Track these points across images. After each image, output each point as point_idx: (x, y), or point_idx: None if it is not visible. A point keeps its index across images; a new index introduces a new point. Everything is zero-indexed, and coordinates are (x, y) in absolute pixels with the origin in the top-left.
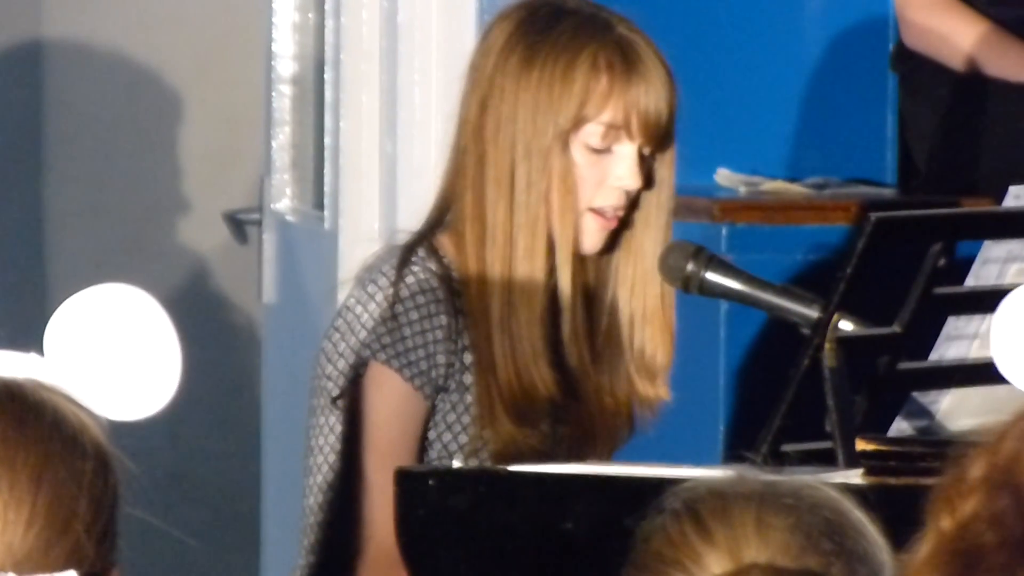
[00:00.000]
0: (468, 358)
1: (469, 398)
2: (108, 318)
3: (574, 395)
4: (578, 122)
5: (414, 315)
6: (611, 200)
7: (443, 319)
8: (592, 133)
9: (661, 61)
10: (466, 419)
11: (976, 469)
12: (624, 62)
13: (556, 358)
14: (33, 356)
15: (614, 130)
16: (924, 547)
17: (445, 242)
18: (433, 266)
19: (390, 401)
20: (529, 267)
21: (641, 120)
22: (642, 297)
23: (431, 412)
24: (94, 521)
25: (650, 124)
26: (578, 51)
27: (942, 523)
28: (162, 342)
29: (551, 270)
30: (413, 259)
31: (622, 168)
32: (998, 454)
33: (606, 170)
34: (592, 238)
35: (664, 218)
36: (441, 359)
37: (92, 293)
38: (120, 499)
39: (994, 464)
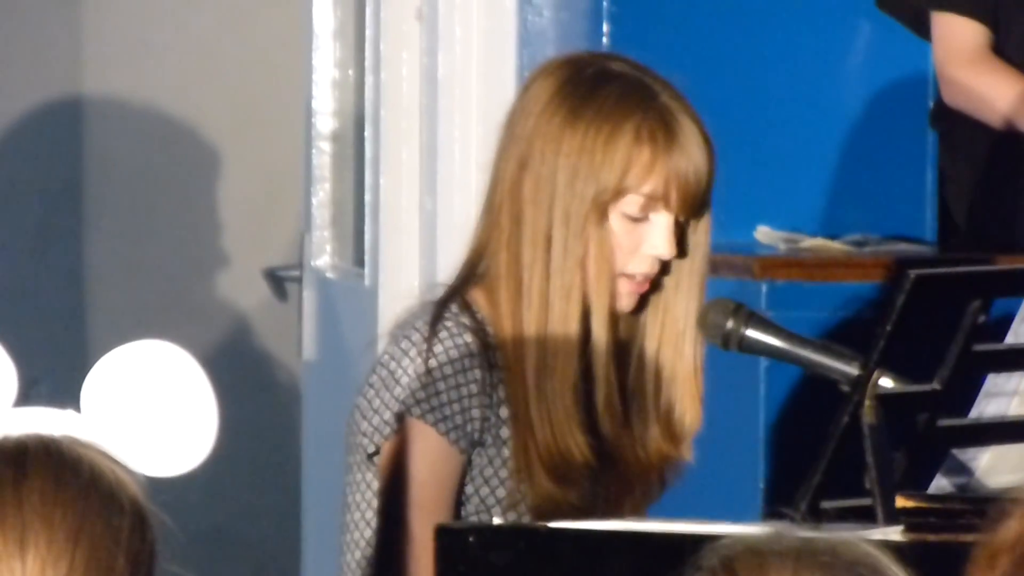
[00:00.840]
0: (504, 412)
1: (506, 452)
2: (145, 374)
3: (609, 459)
4: (618, 192)
5: (448, 370)
6: (643, 268)
7: (477, 373)
8: (631, 203)
9: (701, 130)
10: (503, 473)
11: (1009, 531)
12: (667, 134)
13: (590, 422)
14: (70, 412)
15: (653, 200)
16: None
17: (478, 296)
18: (466, 321)
19: (427, 457)
20: (563, 331)
21: (680, 192)
22: (671, 360)
23: (467, 466)
24: None
25: (689, 195)
26: (622, 120)
27: None
28: (199, 398)
29: (585, 335)
30: (446, 314)
31: (658, 238)
32: None
33: (641, 238)
34: (623, 301)
35: (697, 281)
36: (476, 413)
37: (128, 349)
38: (158, 555)
39: (1021, 534)
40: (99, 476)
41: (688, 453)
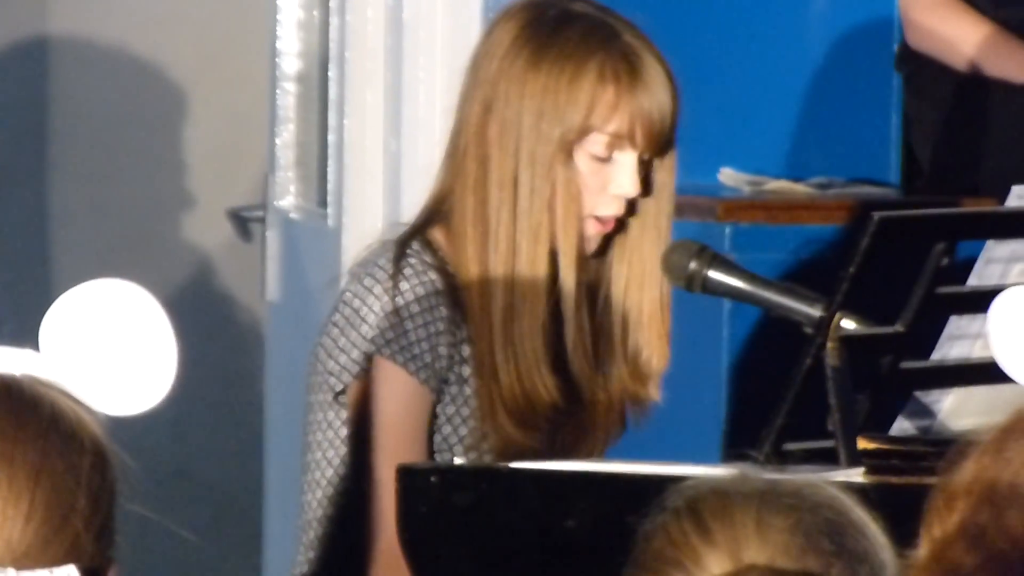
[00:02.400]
0: (466, 350)
1: (468, 390)
2: (103, 313)
3: (577, 399)
4: (583, 132)
5: (415, 308)
6: (611, 209)
7: (443, 311)
8: (597, 142)
9: (665, 68)
10: (465, 411)
11: (965, 473)
12: (630, 72)
13: (558, 363)
14: (30, 352)
15: (618, 139)
16: (921, 554)
17: (438, 235)
18: (429, 259)
19: (398, 396)
20: (532, 274)
21: (645, 129)
22: (638, 300)
23: (435, 405)
24: (92, 516)
25: (653, 133)
26: (585, 60)
27: (934, 532)
28: (158, 336)
29: (553, 276)
30: (408, 252)
31: (623, 177)
32: (982, 466)
33: (607, 178)
34: (589, 243)
35: (663, 222)
36: (443, 351)
37: (86, 288)
38: (118, 494)
39: (977, 477)
40: (59, 415)
41: (656, 393)
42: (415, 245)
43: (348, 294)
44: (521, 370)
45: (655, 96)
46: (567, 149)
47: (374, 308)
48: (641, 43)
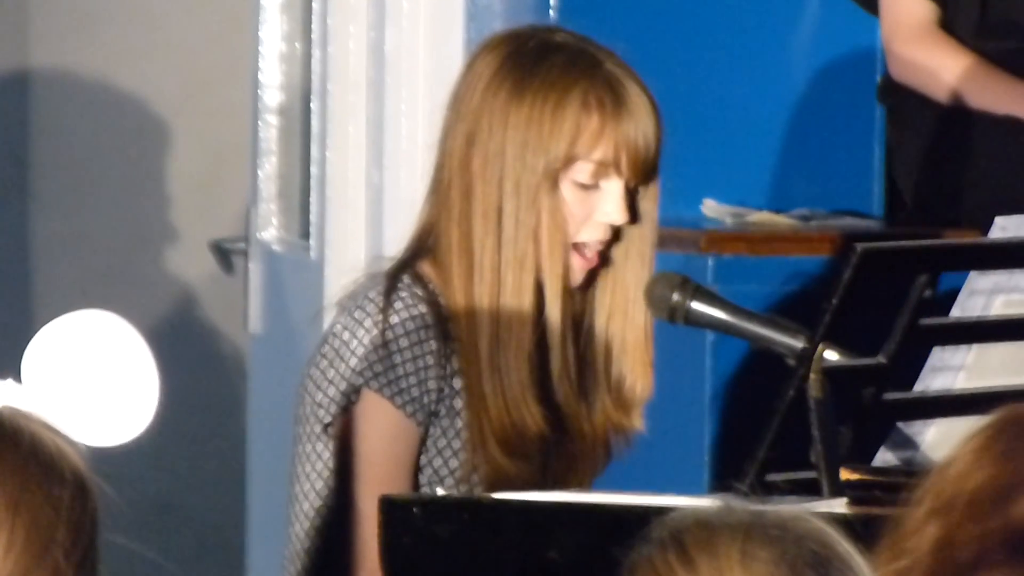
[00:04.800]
0: (458, 383)
1: (459, 423)
2: (84, 344)
3: (563, 430)
4: (568, 160)
5: (404, 342)
6: (596, 235)
7: (433, 345)
8: (582, 171)
9: (648, 96)
10: (456, 444)
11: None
12: (614, 100)
13: (544, 393)
14: (11, 383)
15: (603, 167)
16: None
17: (427, 269)
18: (419, 291)
19: (384, 430)
20: (517, 303)
21: (630, 157)
22: (621, 329)
23: (424, 438)
24: (73, 547)
25: (639, 160)
26: (568, 89)
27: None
28: (139, 367)
29: (539, 306)
30: (399, 285)
31: (610, 204)
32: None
33: (593, 206)
34: (575, 274)
35: (646, 251)
36: (432, 385)
37: (68, 320)
38: (100, 525)
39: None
40: (39, 446)
41: (640, 422)
42: (405, 278)
43: (338, 326)
44: (508, 400)
45: (639, 123)
46: (552, 178)
47: (363, 341)
48: (623, 71)
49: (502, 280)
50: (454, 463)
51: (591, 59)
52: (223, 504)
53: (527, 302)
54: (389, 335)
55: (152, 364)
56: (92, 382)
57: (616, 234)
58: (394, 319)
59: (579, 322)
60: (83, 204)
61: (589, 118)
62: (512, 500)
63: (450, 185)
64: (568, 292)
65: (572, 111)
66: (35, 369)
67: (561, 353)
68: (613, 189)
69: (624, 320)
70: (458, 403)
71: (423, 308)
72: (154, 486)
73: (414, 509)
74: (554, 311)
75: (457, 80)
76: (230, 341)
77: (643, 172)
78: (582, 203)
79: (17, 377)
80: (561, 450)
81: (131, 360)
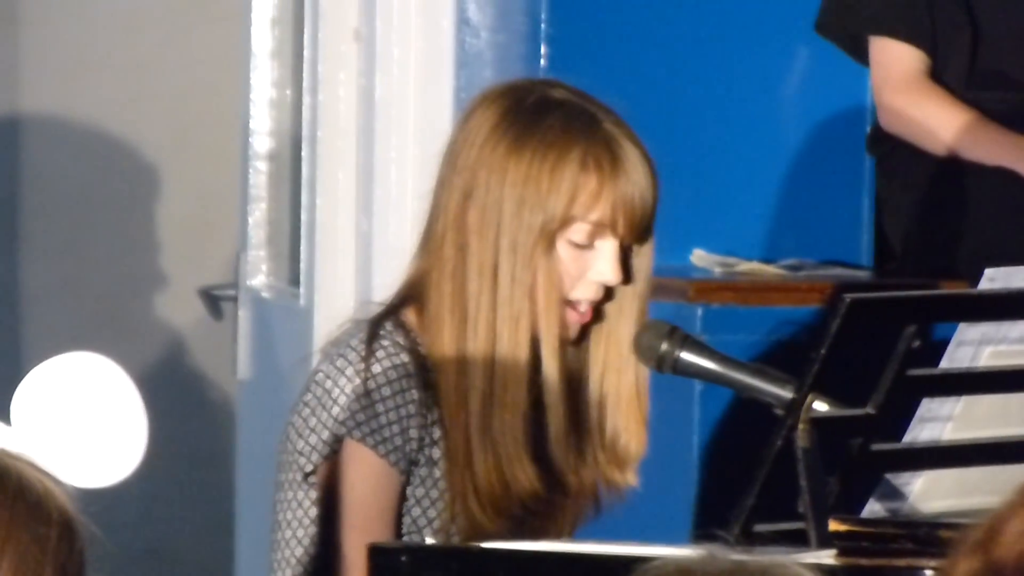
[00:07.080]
0: (437, 432)
1: (437, 472)
2: (73, 386)
3: (555, 486)
4: (566, 221)
5: (387, 391)
6: (589, 294)
7: (414, 394)
8: (579, 231)
9: (645, 155)
10: (434, 493)
11: (964, 566)
12: (612, 161)
13: (539, 452)
14: None
15: (600, 228)
16: None
17: (410, 317)
18: (401, 340)
19: (368, 478)
20: (513, 362)
21: (627, 218)
22: (615, 384)
23: (405, 486)
24: None
25: (635, 221)
26: (567, 148)
27: None
28: (127, 409)
29: (534, 363)
30: (381, 333)
31: (604, 264)
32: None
33: (587, 264)
34: (570, 330)
35: (639, 306)
36: (414, 433)
37: (57, 362)
38: (87, 566)
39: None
40: (26, 486)
41: (633, 478)
42: (388, 326)
43: (320, 374)
44: (500, 460)
45: (637, 184)
46: (549, 237)
47: (345, 389)
48: (621, 130)
49: (497, 337)
50: (432, 513)
51: (590, 117)
52: (211, 550)
53: (522, 360)
54: (371, 384)
55: (141, 405)
56: (81, 423)
57: (609, 291)
58: (376, 368)
59: (572, 377)
60: (73, 250)
61: (587, 178)
62: (499, 549)
63: (444, 238)
64: (564, 348)
65: (570, 171)
66: (24, 409)
67: (557, 412)
68: (608, 249)
69: (618, 376)
70: (436, 453)
71: (405, 357)
72: (143, 531)
73: (402, 557)
74: (551, 368)
75: (453, 132)
76: (219, 387)
77: (639, 232)
78: (576, 261)
79: (7, 419)
80: (546, 504)
81: (119, 401)
